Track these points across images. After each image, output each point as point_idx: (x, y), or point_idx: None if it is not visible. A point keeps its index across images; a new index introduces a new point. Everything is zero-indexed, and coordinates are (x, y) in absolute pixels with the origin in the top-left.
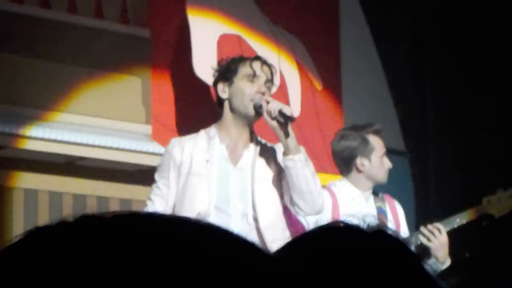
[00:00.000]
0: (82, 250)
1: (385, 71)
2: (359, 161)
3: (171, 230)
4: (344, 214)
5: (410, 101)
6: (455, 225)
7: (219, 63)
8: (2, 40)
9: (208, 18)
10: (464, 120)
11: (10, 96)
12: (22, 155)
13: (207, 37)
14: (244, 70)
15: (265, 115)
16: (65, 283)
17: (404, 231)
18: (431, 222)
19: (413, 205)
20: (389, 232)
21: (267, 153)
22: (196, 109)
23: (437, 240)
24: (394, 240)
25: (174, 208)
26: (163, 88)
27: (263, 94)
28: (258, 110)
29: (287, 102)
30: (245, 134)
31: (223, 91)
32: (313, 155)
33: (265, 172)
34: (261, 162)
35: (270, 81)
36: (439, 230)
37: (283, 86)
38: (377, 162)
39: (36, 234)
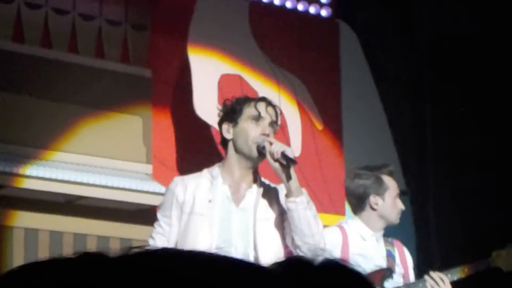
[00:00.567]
0: None
1: (385, 111)
2: (373, 199)
3: (172, 268)
4: (353, 253)
5: (409, 141)
6: (463, 275)
7: (224, 103)
8: (3, 79)
9: (209, 57)
10: (463, 159)
11: (11, 135)
12: (22, 194)
13: (208, 77)
14: (249, 111)
15: (268, 156)
16: None
17: (411, 278)
18: (433, 264)
19: (414, 241)
20: (340, 262)
21: (270, 194)
22: (197, 148)
23: None
24: (344, 270)
25: (175, 247)
26: (164, 128)
27: (267, 135)
28: (261, 151)
29: (287, 141)
30: (249, 175)
31: (227, 131)
32: (313, 194)
33: (267, 213)
34: (264, 203)
35: (274, 122)
36: (443, 281)
37: (283, 126)
38: (390, 201)
39: (37, 268)
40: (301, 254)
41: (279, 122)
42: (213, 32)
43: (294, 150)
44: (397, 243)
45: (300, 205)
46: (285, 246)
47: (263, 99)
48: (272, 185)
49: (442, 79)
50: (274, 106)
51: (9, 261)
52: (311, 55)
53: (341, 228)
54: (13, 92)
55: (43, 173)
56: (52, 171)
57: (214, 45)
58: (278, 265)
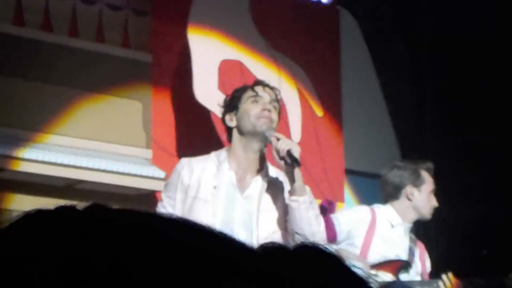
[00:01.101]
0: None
1: (386, 99)
2: (410, 189)
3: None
4: (378, 235)
5: (410, 129)
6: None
7: (224, 99)
8: (2, 62)
9: (209, 39)
10: (464, 154)
11: (11, 118)
12: (21, 178)
13: (208, 62)
14: (247, 95)
15: (274, 152)
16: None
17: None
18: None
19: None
20: (313, 245)
21: (277, 184)
22: (196, 133)
23: None
24: (317, 252)
25: None
26: (164, 113)
27: (269, 111)
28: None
29: (287, 127)
30: (255, 162)
31: (230, 120)
32: (312, 181)
33: (271, 204)
34: (269, 193)
35: (275, 100)
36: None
37: (283, 112)
38: (425, 195)
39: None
40: None
41: (280, 102)
42: (214, 16)
43: (294, 135)
44: (420, 244)
45: (303, 205)
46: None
47: (260, 82)
48: (281, 174)
49: (444, 68)
50: (272, 87)
51: None
52: (312, 42)
53: (372, 210)
54: (13, 76)
55: (42, 157)
56: (51, 154)
57: (214, 28)
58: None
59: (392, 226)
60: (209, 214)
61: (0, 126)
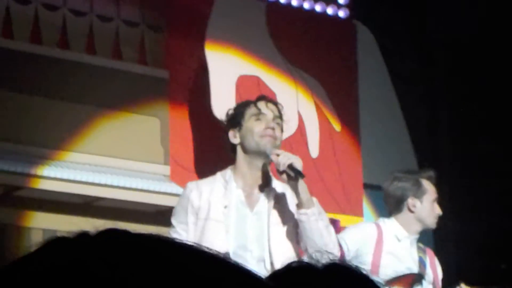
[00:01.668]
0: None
1: (403, 112)
2: (411, 201)
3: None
4: (386, 251)
5: (427, 142)
6: None
7: (227, 113)
8: (21, 80)
9: (226, 54)
10: (480, 163)
11: (29, 136)
12: (40, 195)
13: (225, 77)
14: (250, 111)
15: (276, 168)
16: None
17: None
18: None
19: (432, 243)
20: (343, 264)
21: (284, 197)
22: (214, 149)
23: None
24: (347, 272)
25: None
26: (182, 129)
27: (273, 129)
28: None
29: (305, 142)
30: (261, 178)
31: (234, 137)
32: (331, 196)
33: (281, 218)
34: (277, 207)
35: (278, 117)
36: None
37: (301, 126)
38: (428, 205)
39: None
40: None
41: (284, 118)
42: (231, 32)
43: (312, 151)
44: (429, 251)
45: (312, 217)
46: (299, 250)
47: (262, 97)
48: (287, 187)
49: (458, 81)
50: (275, 103)
51: None
52: (329, 56)
53: (377, 225)
54: (31, 93)
55: (61, 174)
56: (70, 172)
57: (232, 43)
58: (279, 274)
59: (399, 240)
60: (221, 234)
61: (19, 143)
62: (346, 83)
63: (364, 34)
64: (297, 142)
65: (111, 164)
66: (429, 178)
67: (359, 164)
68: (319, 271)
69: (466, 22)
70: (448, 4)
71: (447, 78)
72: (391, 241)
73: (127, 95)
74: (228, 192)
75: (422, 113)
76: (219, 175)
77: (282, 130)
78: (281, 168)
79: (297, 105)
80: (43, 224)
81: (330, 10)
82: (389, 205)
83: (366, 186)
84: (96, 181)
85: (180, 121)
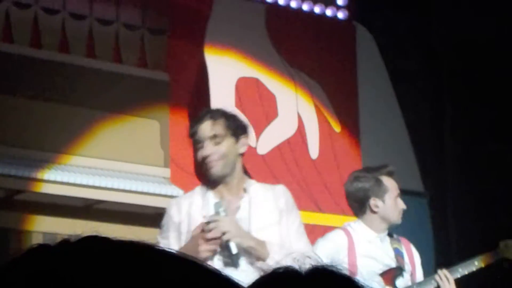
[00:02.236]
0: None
1: (403, 113)
2: (373, 202)
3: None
4: (361, 255)
5: (427, 143)
6: (474, 268)
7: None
8: (21, 84)
9: (226, 58)
10: (482, 161)
11: (29, 140)
12: (41, 199)
13: (225, 80)
14: (194, 139)
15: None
16: None
17: (419, 275)
18: (449, 262)
19: (432, 243)
20: (328, 267)
21: (265, 201)
22: None
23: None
24: (332, 275)
25: None
26: (182, 131)
27: (208, 157)
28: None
29: (305, 143)
30: (237, 184)
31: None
32: (331, 196)
33: (264, 222)
34: (259, 211)
35: (213, 136)
36: (448, 279)
37: (301, 128)
38: (390, 203)
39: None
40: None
41: (219, 132)
42: (230, 34)
43: (312, 152)
44: (404, 240)
45: (276, 258)
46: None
47: (196, 119)
48: (267, 188)
49: (461, 80)
50: (206, 118)
51: None
52: (328, 58)
53: (345, 230)
54: (30, 98)
55: (62, 178)
56: (70, 175)
57: (231, 47)
58: (265, 280)
59: (369, 242)
60: None
61: (20, 147)
62: (345, 84)
63: (363, 35)
64: (297, 143)
65: (111, 167)
66: (389, 174)
67: (359, 165)
68: (304, 276)
69: (469, 19)
70: (451, 4)
71: (450, 77)
72: (363, 244)
73: (127, 98)
74: (206, 203)
75: (425, 113)
76: (198, 187)
77: (232, 135)
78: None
79: (296, 107)
80: (44, 228)
81: (329, 12)
82: (352, 207)
83: None
84: (97, 184)
85: (180, 123)
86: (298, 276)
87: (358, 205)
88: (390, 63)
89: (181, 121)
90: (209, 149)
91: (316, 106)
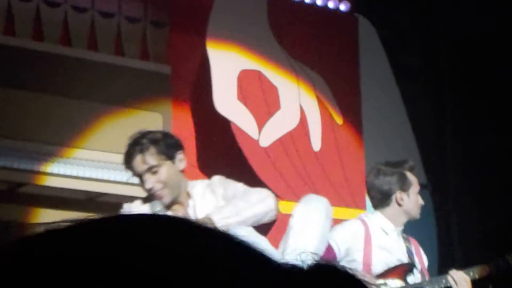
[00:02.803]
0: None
1: (406, 106)
2: (399, 195)
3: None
4: (376, 246)
5: (430, 136)
6: (484, 274)
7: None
8: (23, 78)
9: (228, 51)
10: (484, 155)
11: (32, 133)
12: (44, 192)
13: (227, 72)
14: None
15: None
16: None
17: (427, 274)
18: (454, 260)
19: (435, 239)
20: (329, 264)
21: (208, 202)
22: (217, 144)
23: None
24: (334, 272)
25: None
26: (184, 124)
27: (151, 189)
28: None
29: (307, 136)
30: (184, 194)
31: None
32: (334, 188)
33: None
34: (202, 210)
35: (148, 169)
36: (465, 280)
37: (303, 120)
38: (414, 197)
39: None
40: None
41: (152, 163)
42: (232, 27)
43: (314, 144)
44: (413, 240)
45: (216, 218)
46: None
47: (127, 154)
48: (205, 183)
49: (462, 74)
50: (135, 154)
51: None
52: (330, 50)
53: (362, 221)
54: (33, 90)
55: (64, 171)
56: (73, 168)
57: (233, 39)
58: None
59: (386, 233)
60: None
61: (22, 140)
62: (347, 77)
63: (365, 27)
64: (299, 135)
65: (113, 160)
66: (410, 169)
67: (361, 157)
68: (304, 273)
69: (471, 14)
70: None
71: (452, 71)
72: (379, 235)
73: (129, 91)
74: (153, 210)
75: (427, 106)
76: (149, 196)
77: (167, 158)
78: None
79: (299, 99)
80: (47, 221)
81: (331, 4)
82: (375, 199)
83: None
84: (99, 176)
85: (182, 116)
86: (300, 272)
87: (382, 198)
88: (391, 56)
89: (183, 113)
90: (150, 182)
91: (318, 99)
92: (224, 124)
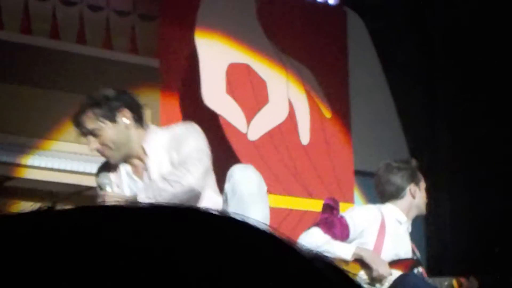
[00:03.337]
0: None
1: (394, 99)
2: (413, 188)
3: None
4: (390, 233)
5: (420, 128)
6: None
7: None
8: (12, 71)
9: (216, 43)
10: (476, 148)
11: (20, 126)
12: (29, 185)
13: (216, 66)
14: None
15: None
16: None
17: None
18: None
19: (425, 227)
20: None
21: (158, 151)
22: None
23: None
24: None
25: None
26: (173, 117)
27: (98, 150)
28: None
29: (295, 129)
30: (133, 149)
31: None
32: (322, 182)
33: (157, 171)
34: (155, 164)
35: (89, 132)
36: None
37: (291, 114)
38: (423, 192)
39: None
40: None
41: (92, 126)
42: (221, 21)
43: (303, 138)
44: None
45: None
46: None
47: (75, 116)
48: (162, 139)
49: (454, 67)
50: (77, 120)
51: None
52: (319, 43)
53: (379, 210)
54: (21, 83)
55: (52, 164)
56: (60, 161)
57: (222, 32)
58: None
59: (400, 223)
60: None
61: (7, 133)
62: (336, 70)
63: (354, 21)
64: (288, 129)
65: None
66: (418, 167)
67: (349, 151)
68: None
69: (462, 7)
70: None
71: (444, 64)
72: (393, 225)
73: (118, 84)
74: (118, 173)
75: (418, 99)
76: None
77: (106, 119)
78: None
79: (287, 93)
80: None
81: None
82: (387, 192)
83: (357, 172)
84: (87, 170)
85: (171, 110)
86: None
87: (396, 191)
88: (381, 48)
89: (172, 107)
90: (92, 144)
91: (307, 92)
92: (212, 118)
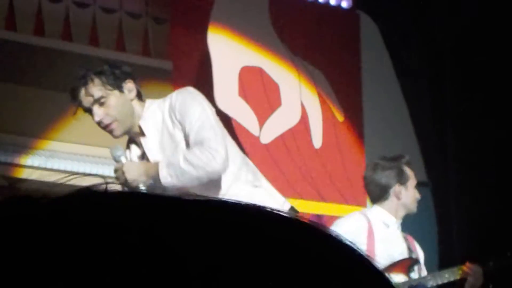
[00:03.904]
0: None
1: (406, 103)
2: (398, 188)
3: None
4: (378, 239)
5: (430, 132)
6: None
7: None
8: (24, 73)
9: (229, 41)
10: (484, 151)
11: (21, 126)
12: (26, 185)
13: (228, 69)
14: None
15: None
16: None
17: (424, 270)
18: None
19: (435, 235)
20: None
21: (155, 124)
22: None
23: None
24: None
25: None
26: None
27: (101, 122)
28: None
29: (308, 132)
30: (134, 126)
31: None
32: (334, 186)
33: (155, 146)
34: (152, 139)
35: (98, 99)
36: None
37: (304, 117)
38: (411, 191)
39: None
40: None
41: (98, 94)
42: (233, 24)
43: (315, 141)
44: (409, 237)
45: (163, 174)
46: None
47: (72, 89)
48: (160, 102)
49: (464, 71)
50: (80, 87)
51: None
52: (332, 47)
53: (364, 215)
54: (27, 85)
55: (52, 164)
56: (60, 161)
57: (235, 33)
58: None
59: (388, 226)
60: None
61: (3, 133)
62: (349, 74)
63: (367, 24)
64: (300, 132)
65: (99, 153)
66: (407, 164)
67: (362, 154)
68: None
69: (473, 13)
70: None
71: (454, 68)
72: (380, 229)
73: None
74: (133, 147)
75: (429, 104)
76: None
77: (113, 88)
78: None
79: (300, 96)
80: None
81: (333, 1)
82: (373, 193)
83: None
84: (87, 170)
85: None
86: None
87: (380, 192)
88: (393, 54)
89: None
90: (98, 115)
91: (319, 95)
92: (225, 121)
